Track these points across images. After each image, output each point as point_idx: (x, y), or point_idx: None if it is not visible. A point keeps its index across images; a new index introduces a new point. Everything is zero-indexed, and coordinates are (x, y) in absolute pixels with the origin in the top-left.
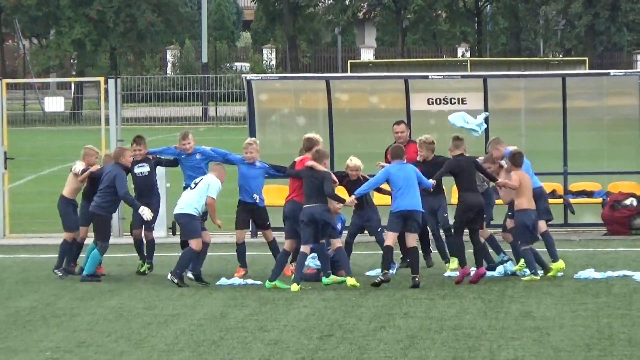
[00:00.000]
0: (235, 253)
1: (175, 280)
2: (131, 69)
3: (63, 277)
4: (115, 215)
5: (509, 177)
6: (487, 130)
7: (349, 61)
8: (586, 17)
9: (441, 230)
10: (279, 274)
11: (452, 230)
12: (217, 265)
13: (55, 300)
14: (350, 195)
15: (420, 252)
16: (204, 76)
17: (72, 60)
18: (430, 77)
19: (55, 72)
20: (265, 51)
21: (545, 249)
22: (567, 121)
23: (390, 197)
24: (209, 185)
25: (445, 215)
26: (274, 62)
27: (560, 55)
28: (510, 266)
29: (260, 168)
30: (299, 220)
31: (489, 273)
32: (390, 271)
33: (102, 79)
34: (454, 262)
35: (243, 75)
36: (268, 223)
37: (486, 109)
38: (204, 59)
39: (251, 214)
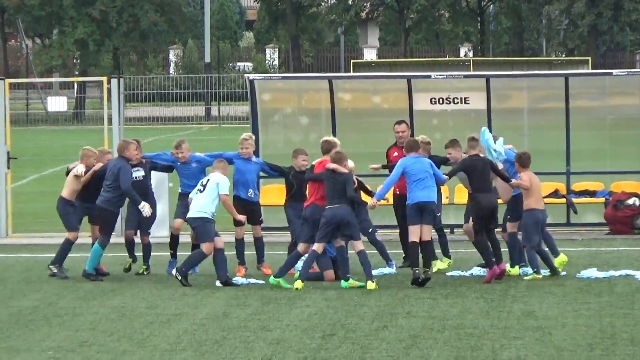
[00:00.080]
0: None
1: (179, 278)
2: (134, 68)
3: (57, 275)
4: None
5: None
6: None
7: (351, 61)
8: (589, 16)
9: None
10: (286, 273)
11: (475, 234)
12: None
13: (57, 299)
14: None
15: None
16: (206, 76)
17: (74, 60)
18: (432, 76)
19: (58, 72)
20: (268, 51)
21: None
22: (570, 121)
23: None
24: (218, 184)
25: (439, 214)
26: (276, 62)
27: (563, 55)
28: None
29: (256, 163)
30: (318, 224)
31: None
32: (389, 269)
33: (104, 79)
34: (445, 262)
35: (246, 75)
36: (261, 219)
37: (489, 109)
38: (207, 59)
39: (246, 209)
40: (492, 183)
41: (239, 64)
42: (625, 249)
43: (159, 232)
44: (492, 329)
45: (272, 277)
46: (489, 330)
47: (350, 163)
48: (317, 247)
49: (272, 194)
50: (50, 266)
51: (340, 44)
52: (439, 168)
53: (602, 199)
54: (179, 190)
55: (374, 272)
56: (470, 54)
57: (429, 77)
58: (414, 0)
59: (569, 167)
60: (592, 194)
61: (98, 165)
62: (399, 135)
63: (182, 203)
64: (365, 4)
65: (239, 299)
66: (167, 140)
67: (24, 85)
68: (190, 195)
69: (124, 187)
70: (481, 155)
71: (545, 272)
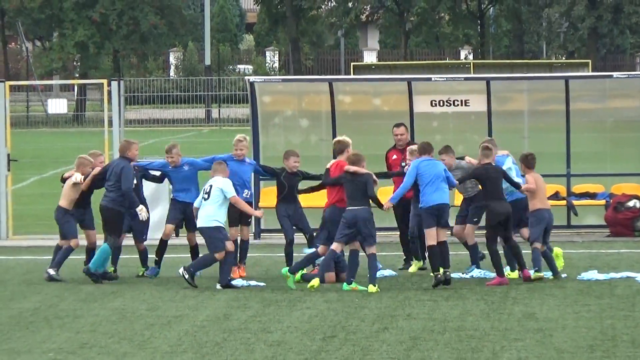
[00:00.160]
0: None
1: (186, 276)
2: (134, 71)
3: (55, 278)
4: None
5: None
6: (489, 131)
7: (352, 63)
8: (589, 19)
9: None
10: (299, 270)
11: (486, 242)
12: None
13: (58, 301)
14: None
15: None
16: (207, 78)
17: (75, 63)
18: (433, 79)
19: (58, 75)
20: (268, 53)
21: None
22: (570, 123)
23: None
24: (222, 189)
25: None
26: (276, 65)
27: (563, 58)
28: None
29: (249, 164)
30: (335, 225)
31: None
32: (389, 272)
33: (105, 81)
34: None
35: (246, 77)
36: (249, 220)
37: (489, 111)
38: (207, 61)
39: (237, 210)
40: (477, 188)
41: (239, 66)
42: (626, 251)
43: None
44: (492, 330)
45: (286, 269)
46: (489, 332)
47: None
48: (336, 246)
49: (272, 196)
50: (49, 270)
51: (341, 46)
52: None
53: (603, 201)
54: (171, 196)
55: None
56: (471, 56)
57: (429, 79)
58: (414, 3)
59: (569, 169)
60: (593, 196)
61: (96, 170)
62: (397, 137)
63: (174, 208)
64: (365, 7)
65: (240, 301)
66: (167, 142)
67: (24, 88)
68: (195, 205)
69: (125, 188)
70: (493, 164)
71: (547, 274)
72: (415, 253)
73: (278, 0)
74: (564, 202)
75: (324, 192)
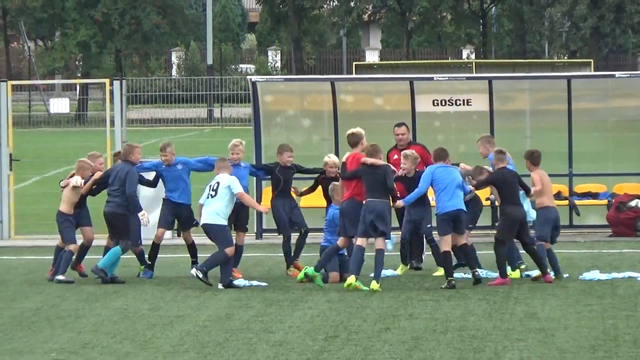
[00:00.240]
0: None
1: (200, 276)
2: (136, 70)
3: (63, 281)
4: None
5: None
6: (491, 131)
7: (354, 63)
8: (591, 19)
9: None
10: (325, 265)
11: (495, 243)
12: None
13: (60, 301)
14: (324, 193)
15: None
16: (209, 78)
17: (77, 62)
18: (435, 78)
19: (60, 74)
20: (270, 53)
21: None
22: (572, 123)
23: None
24: (229, 185)
25: (429, 226)
26: (279, 64)
27: (565, 57)
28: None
29: (245, 168)
30: (356, 219)
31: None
32: (391, 271)
33: (107, 81)
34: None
35: (248, 77)
36: (246, 226)
37: (491, 111)
38: (209, 61)
39: (234, 214)
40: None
41: (241, 66)
42: (628, 251)
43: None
44: (494, 330)
45: (311, 268)
46: (491, 332)
47: (335, 159)
48: (361, 241)
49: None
50: (57, 277)
51: (343, 46)
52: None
53: (605, 201)
54: (163, 196)
55: (390, 272)
56: (473, 56)
57: (432, 79)
58: (416, 2)
59: (571, 169)
60: (595, 196)
61: (98, 174)
62: (399, 137)
63: (166, 209)
64: (367, 6)
65: (242, 300)
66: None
67: (26, 87)
68: (200, 201)
69: (129, 192)
70: (508, 167)
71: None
72: (404, 257)
73: (280, 0)
74: (566, 202)
75: (320, 191)
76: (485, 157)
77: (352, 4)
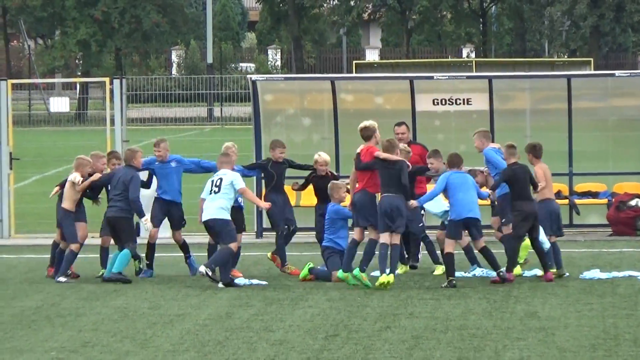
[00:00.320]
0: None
1: (210, 273)
2: (136, 69)
3: (66, 281)
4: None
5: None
6: (491, 130)
7: (354, 62)
8: (591, 18)
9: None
10: (351, 263)
11: (510, 238)
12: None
13: (60, 300)
14: (315, 191)
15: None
16: (209, 77)
17: (77, 61)
18: (435, 77)
19: (60, 73)
20: (270, 52)
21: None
22: (572, 122)
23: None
24: (232, 181)
25: (420, 225)
26: (279, 63)
27: (565, 56)
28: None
29: (237, 171)
30: (368, 210)
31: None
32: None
33: (107, 80)
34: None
35: (248, 75)
36: (243, 226)
37: (491, 110)
38: (209, 60)
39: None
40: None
41: (241, 64)
42: (628, 250)
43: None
44: (494, 329)
45: (357, 271)
46: (491, 331)
47: (326, 157)
48: (385, 238)
49: None
50: (59, 278)
51: (343, 45)
52: (417, 177)
53: (605, 200)
54: (155, 195)
55: (374, 273)
56: (473, 55)
57: (432, 78)
58: (416, 1)
59: (571, 168)
60: (595, 195)
61: (96, 176)
62: (398, 136)
63: (158, 208)
64: (367, 5)
65: (242, 299)
66: (168, 141)
67: (26, 86)
68: (202, 196)
69: (132, 197)
70: (519, 162)
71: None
72: (402, 257)
73: None
74: (566, 201)
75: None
76: (480, 151)
77: (352, 2)
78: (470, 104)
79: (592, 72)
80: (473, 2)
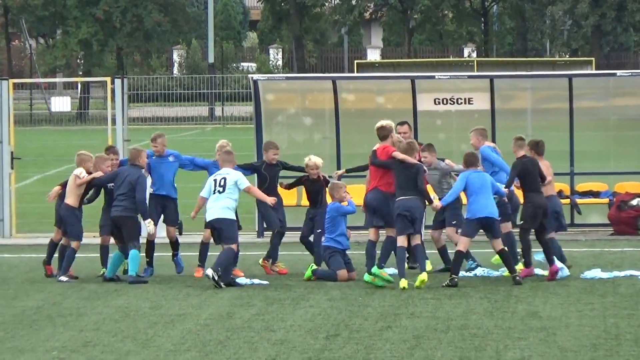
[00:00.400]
0: (199, 252)
1: (216, 277)
2: (138, 69)
3: (69, 281)
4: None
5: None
6: (493, 129)
7: (355, 61)
8: (593, 17)
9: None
10: (374, 265)
11: (520, 232)
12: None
13: (61, 299)
14: (307, 194)
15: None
16: (210, 76)
17: (78, 60)
18: (436, 77)
19: (61, 72)
20: (271, 51)
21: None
22: (574, 121)
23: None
24: (237, 181)
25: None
26: (280, 62)
27: (567, 56)
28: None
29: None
30: (381, 209)
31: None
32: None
33: (108, 79)
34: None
35: (250, 75)
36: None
37: (492, 109)
38: (211, 59)
39: None
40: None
41: (242, 64)
42: (629, 249)
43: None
44: (496, 329)
45: (366, 275)
46: (493, 331)
47: (317, 160)
48: (402, 241)
49: None
50: (60, 278)
51: (344, 44)
52: None
53: (606, 200)
54: (150, 191)
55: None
56: (474, 54)
57: (433, 77)
58: (418, 0)
59: (572, 167)
60: (596, 194)
61: (98, 174)
62: (401, 136)
63: (154, 205)
64: (368, 4)
65: (243, 299)
66: (170, 140)
67: (27, 86)
68: (203, 195)
69: (140, 198)
70: (528, 155)
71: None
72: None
73: None
74: (567, 201)
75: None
76: (476, 148)
77: (353, 2)
78: (472, 104)
79: (594, 71)
80: (474, 1)
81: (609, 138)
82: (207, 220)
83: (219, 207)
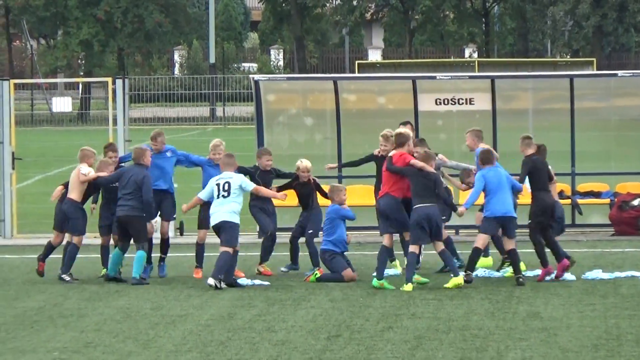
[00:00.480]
0: (195, 253)
1: (219, 285)
2: (139, 69)
3: (69, 282)
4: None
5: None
6: (494, 130)
7: (356, 62)
8: (594, 17)
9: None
10: (384, 271)
11: (530, 232)
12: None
13: (62, 300)
14: (298, 197)
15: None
16: (211, 76)
17: (79, 61)
18: (437, 77)
19: (62, 73)
20: (272, 52)
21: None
22: (575, 122)
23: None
24: (241, 185)
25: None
26: (281, 63)
27: (568, 56)
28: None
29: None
30: (395, 215)
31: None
32: (394, 270)
33: (109, 80)
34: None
35: (251, 75)
36: None
37: (494, 110)
38: (212, 60)
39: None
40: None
41: (243, 64)
42: (631, 250)
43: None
44: (497, 330)
45: (374, 280)
46: (494, 332)
47: (308, 163)
48: (415, 248)
49: None
50: (62, 276)
51: (345, 45)
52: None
53: (607, 200)
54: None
55: (393, 271)
56: (475, 55)
57: (434, 78)
58: (419, 1)
59: (573, 168)
60: (597, 195)
61: (102, 173)
62: None
63: (154, 199)
64: (370, 5)
65: (244, 300)
66: (171, 141)
67: (28, 86)
68: (203, 198)
69: (147, 198)
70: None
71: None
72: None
73: None
74: (568, 201)
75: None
76: (472, 150)
77: (354, 2)
78: (473, 104)
79: (595, 72)
80: (476, 2)
81: (610, 138)
82: (212, 225)
83: (224, 211)
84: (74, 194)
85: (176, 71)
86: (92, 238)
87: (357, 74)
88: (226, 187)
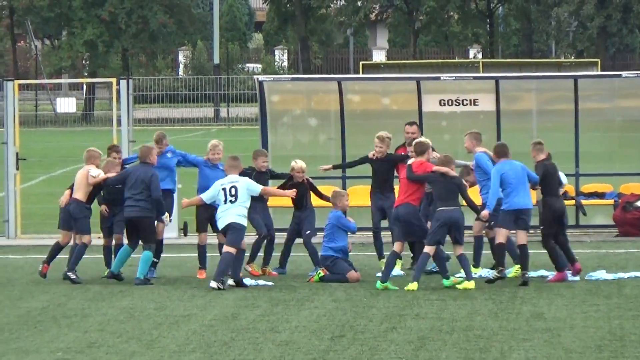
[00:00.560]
0: (198, 254)
1: (221, 287)
2: (143, 70)
3: (74, 281)
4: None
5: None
6: (498, 130)
7: (360, 62)
8: (598, 18)
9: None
10: (390, 275)
11: (542, 238)
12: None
13: (66, 300)
14: (292, 199)
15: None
16: (215, 77)
17: (84, 61)
18: (442, 78)
19: (67, 73)
20: (277, 52)
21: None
22: (579, 122)
23: (327, 202)
24: (247, 188)
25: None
26: (285, 64)
27: (572, 57)
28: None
29: (222, 170)
30: (417, 223)
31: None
32: (397, 271)
33: (114, 80)
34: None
35: (255, 76)
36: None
37: (498, 111)
38: (216, 60)
39: (211, 215)
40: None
41: (248, 65)
42: (634, 250)
43: (168, 234)
44: (500, 330)
45: (378, 282)
46: (497, 332)
47: (303, 164)
48: (430, 250)
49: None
50: (68, 273)
51: (350, 45)
52: (397, 165)
53: (611, 201)
54: None
55: (397, 272)
56: (480, 55)
57: (438, 78)
58: (423, 2)
59: (578, 168)
60: (601, 195)
61: (110, 174)
62: (408, 135)
63: None
64: (374, 6)
65: (248, 300)
66: (175, 142)
67: (33, 87)
68: (204, 198)
69: (156, 196)
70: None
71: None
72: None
73: None
74: (572, 202)
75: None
76: (470, 152)
77: (359, 3)
78: (477, 105)
79: (599, 73)
80: (480, 2)
81: (614, 139)
82: (220, 229)
83: (232, 215)
84: (80, 194)
85: (180, 72)
86: (95, 239)
87: (361, 75)
88: (233, 192)
